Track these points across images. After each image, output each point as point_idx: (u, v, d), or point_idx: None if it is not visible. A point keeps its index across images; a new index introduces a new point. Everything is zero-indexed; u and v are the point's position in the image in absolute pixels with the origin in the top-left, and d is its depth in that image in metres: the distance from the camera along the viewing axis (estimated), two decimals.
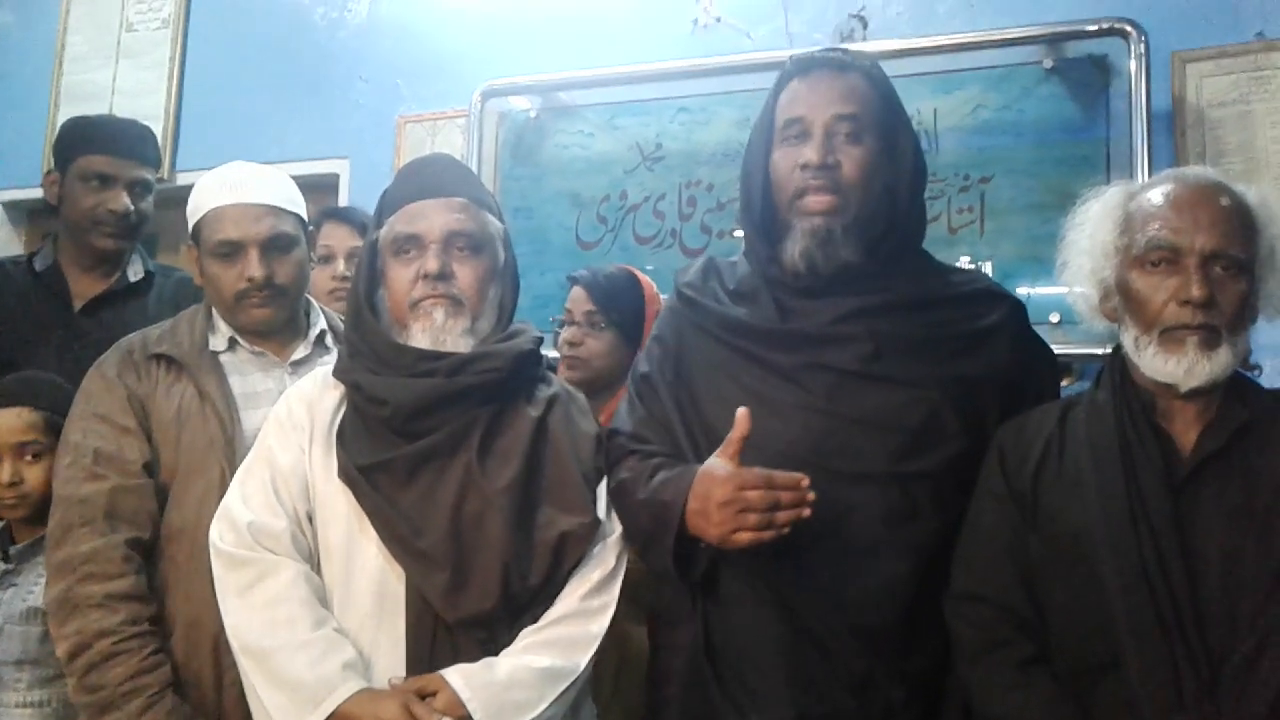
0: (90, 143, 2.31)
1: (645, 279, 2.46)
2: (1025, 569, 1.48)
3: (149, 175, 2.36)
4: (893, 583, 1.52)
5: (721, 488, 1.45)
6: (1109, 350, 2.43)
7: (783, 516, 1.41)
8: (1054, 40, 2.72)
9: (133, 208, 2.31)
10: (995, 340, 1.62)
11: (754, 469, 1.44)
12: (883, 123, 1.63)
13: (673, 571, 1.55)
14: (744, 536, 1.43)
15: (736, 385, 1.62)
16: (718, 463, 1.48)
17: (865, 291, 1.61)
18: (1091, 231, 1.53)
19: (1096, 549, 1.38)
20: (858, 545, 1.52)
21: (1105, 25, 2.62)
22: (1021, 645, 1.46)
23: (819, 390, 1.57)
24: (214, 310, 1.89)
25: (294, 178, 1.97)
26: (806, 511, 1.40)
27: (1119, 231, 1.48)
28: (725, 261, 1.80)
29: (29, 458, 1.93)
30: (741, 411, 1.46)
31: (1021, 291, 2.65)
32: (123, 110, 3.64)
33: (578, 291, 2.40)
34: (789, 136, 1.62)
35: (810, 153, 1.58)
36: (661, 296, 2.47)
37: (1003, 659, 1.45)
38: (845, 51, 1.70)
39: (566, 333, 2.37)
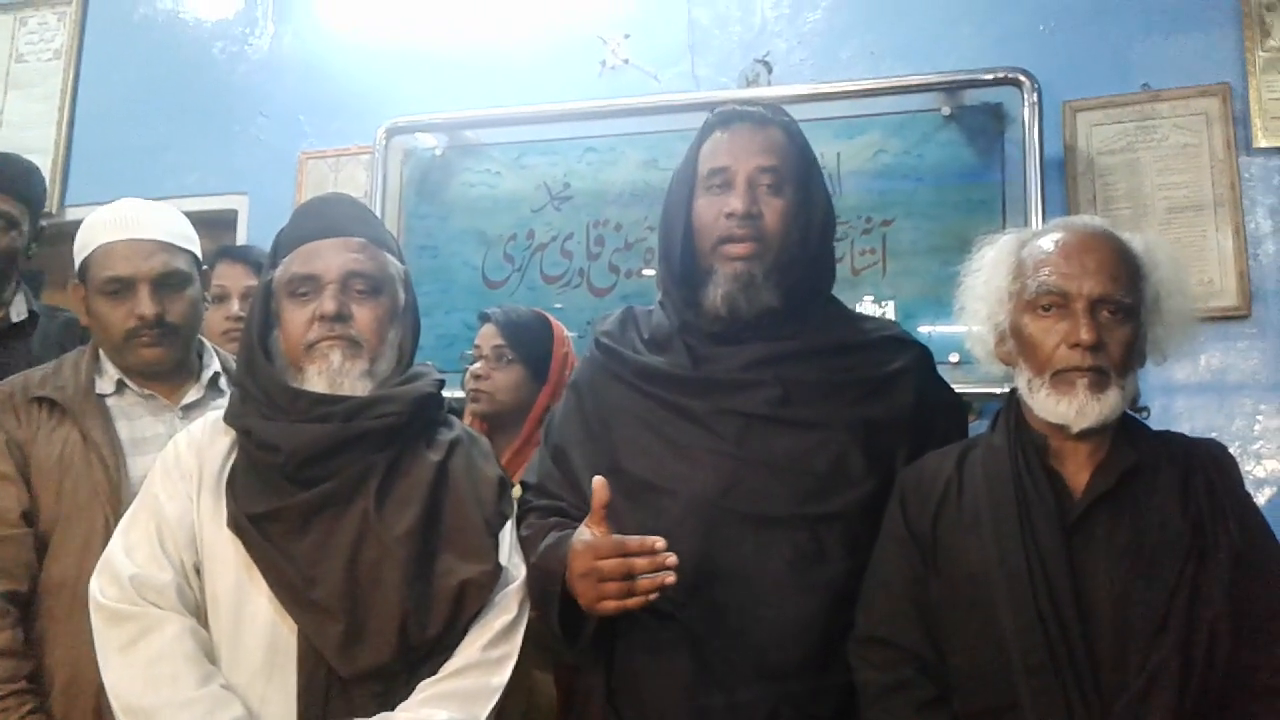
0: None
1: (557, 322, 2.49)
2: (926, 611, 1.49)
3: (11, 209, 2.27)
4: (799, 623, 1.53)
5: (579, 560, 1.47)
6: (1007, 390, 2.54)
7: (643, 584, 1.41)
8: (952, 88, 2.80)
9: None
10: (901, 385, 1.66)
11: (610, 537, 1.45)
12: (799, 174, 1.68)
13: (559, 637, 1.55)
14: (608, 605, 1.44)
15: (651, 432, 1.64)
16: (584, 531, 1.49)
17: (775, 338, 1.65)
18: (986, 277, 1.56)
19: (993, 590, 1.40)
20: (765, 587, 1.53)
21: (1000, 74, 2.71)
22: (923, 687, 1.46)
23: (729, 435, 1.60)
24: (101, 351, 1.82)
25: (191, 214, 1.93)
26: (669, 578, 1.40)
27: (1012, 277, 1.52)
28: (643, 310, 1.83)
29: None
30: (598, 481, 1.47)
31: (923, 331, 2.71)
32: (10, 143, 3.51)
33: (488, 328, 2.43)
34: (713, 185, 1.67)
35: (735, 201, 1.63)
36: (569, 336, 2.48)
37: (904, 701, 1.46)
38: (765, 106, 1.76)
39: (474, 367, 2.39)
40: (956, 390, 1.84)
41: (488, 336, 2.41)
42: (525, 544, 1.62)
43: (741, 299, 1.62)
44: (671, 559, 1.39)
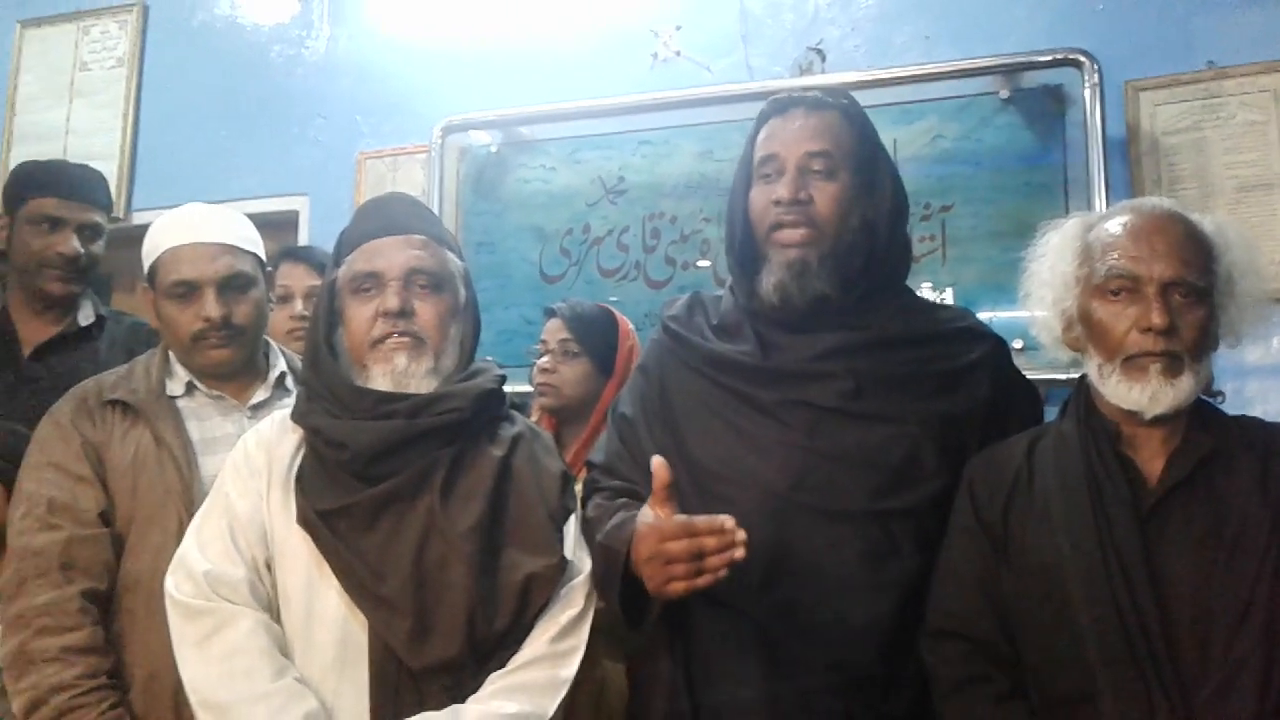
0: (39, 186, 2.28)
1: (622, 316, 2.50)
2: (998, 603, 1.47)
3: (99, 218, 2.34)
4: (873, 621, 1.51)
5: (644, 543, 1.44)
6: (1072, 376, 2.50)
7: (712, 563, 1.37)
8: (1010, 71, 2.76)
9: (82, 250, 2.28)
10: (976, 378, 1.63)
11: (676, 519, 1.41)
12: (859, 158, 1.66)
13: (621, 619, 1.54)
14: (676, 587, 1.41)
15: (720, 420, 1.63)
16: (647, 513, 1.47)
17: (846, 328, 1.63)
18: (1052, 263, 1.54)
19: (1067, 581, 1.38)
20: (837, 584, 1.51)
21: (1060, 55, 2.66)
22: (997, 680, 1.45)
23: (799, 427, 1.58)
24: (171, 354, 1.86)
25: (252, 215, 1.96)
26: (739, 553, 1.35)
27: (1079, 262, 1.50)
28: (710, 296, 1.81)
29: None
30: (657, 461, 1.45)
31: (984, 317, 2.66)
32: (76, 150, 3.61)
33: (554, 322, 2.44)
34: (765, 174, 1.66)
35: (782, 189, 1.62)
36: (632, 331, 2.49)
37: (979, 694, 1.44)
38: (826, 90, 1.73)
39: (541, 361, 2.40)
40: None
41: (554, 331, 2.43)
42: (591, 524, 1.61)
43: (793, 286, 1.60)
44: (741, 535, 1.35)
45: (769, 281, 1.62)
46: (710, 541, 1.38)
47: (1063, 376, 2.54)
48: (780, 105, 1.69)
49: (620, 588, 1.51)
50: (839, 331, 1.62)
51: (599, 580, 1.56)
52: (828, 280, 1.60)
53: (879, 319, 1.64)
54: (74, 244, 2.26)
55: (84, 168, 2.41)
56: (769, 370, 1.63)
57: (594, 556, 1.57)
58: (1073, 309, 1.50)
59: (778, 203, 1.61)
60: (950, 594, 1.51)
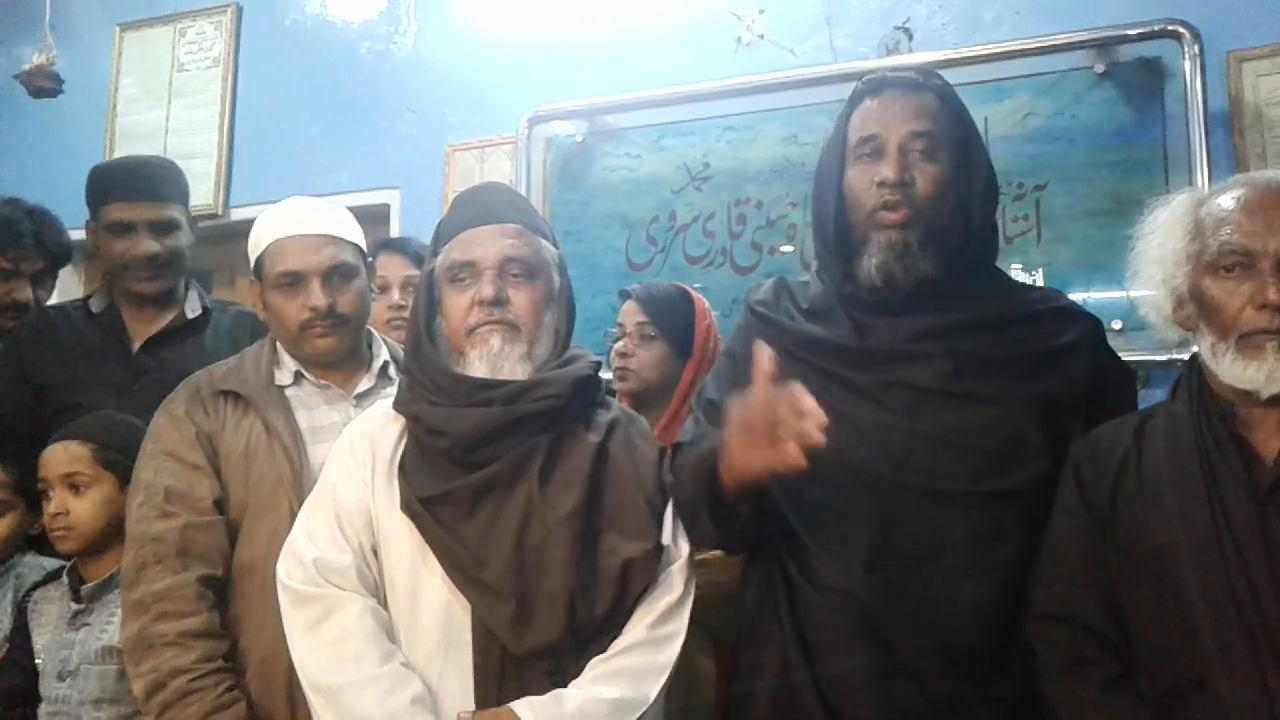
0: (106, 192, 2.33)
1: (697, 295, 2.48)
2: (1107, 586, 1.44)
3: (171, 212, 2.35)
4: (980, 603, 1.50)
5: (732, 423, 1.43)
6: (1173, 357, 2.43)
7: (790, 447, 1.34)
8: (1105, 45, 2.69)
9: (158, 248, 2.31)
10: (1074, 358, 1.60)
11: (760, 394, 1.39)
12: (956, 140, 1.64)
13: (709, 524, 1.52)
14: (753, 463, 1.39)
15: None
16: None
17: (942, 309, 1.61)
18: (1161, 240, 1.50)
19: (1180, 564, 1.35)
20: (943, 565, 1.51)
21: (1157, 27, 2.59)
22: (1106, 664, 1.42)
23: (899, 408, 1.57)
24: (279, 344, 1.91)
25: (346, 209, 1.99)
26: (817, 436, 1.32)
27: (1190, 238, 1.45)
28: (796, 281, 1.80)
29: (76, 490, 1.96)
30: (764, 351, 1.40)
31: (1079, 298, 2.61)
32: (175, 149, 3.72)
33: (629, 305, 2.43)
34: (864, 154, 1.63)
35: (886, 169, 1.59)
36: (713, 313, 2.48)
37: (1086, 678, 1.42)
38: (918, 71, 1.71)
39: (618, 345, 2.39)
40: (1121, 358, 1.77)
41: (630, 314, 2.41)
42: (676, 468, 1.60)
43: (897, 268, 1.58)
44: (821, 418, 1.33)
45: (871, 263, 1.60)
46: (783, 406, 1.36)
47: (1162, 358, 2.49)
48: (875, 85, 1.67)
49: (708, 501, 1.51)
50: (934, 313, 1.61)
51: (688, 495, 1.55)
52: (930, 261, 1.59)
53: (973, 300, 1.63)
54: (147, 245, 2.30)
55: (151, 162, 2.46)
56: (865, 352, 1.62)
57: (681, 481, 1.56)
58: (1184, 287, 1.46)
59: (882, 184, 1.59)
60: (1056, 577, 1.48)
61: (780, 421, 1.36)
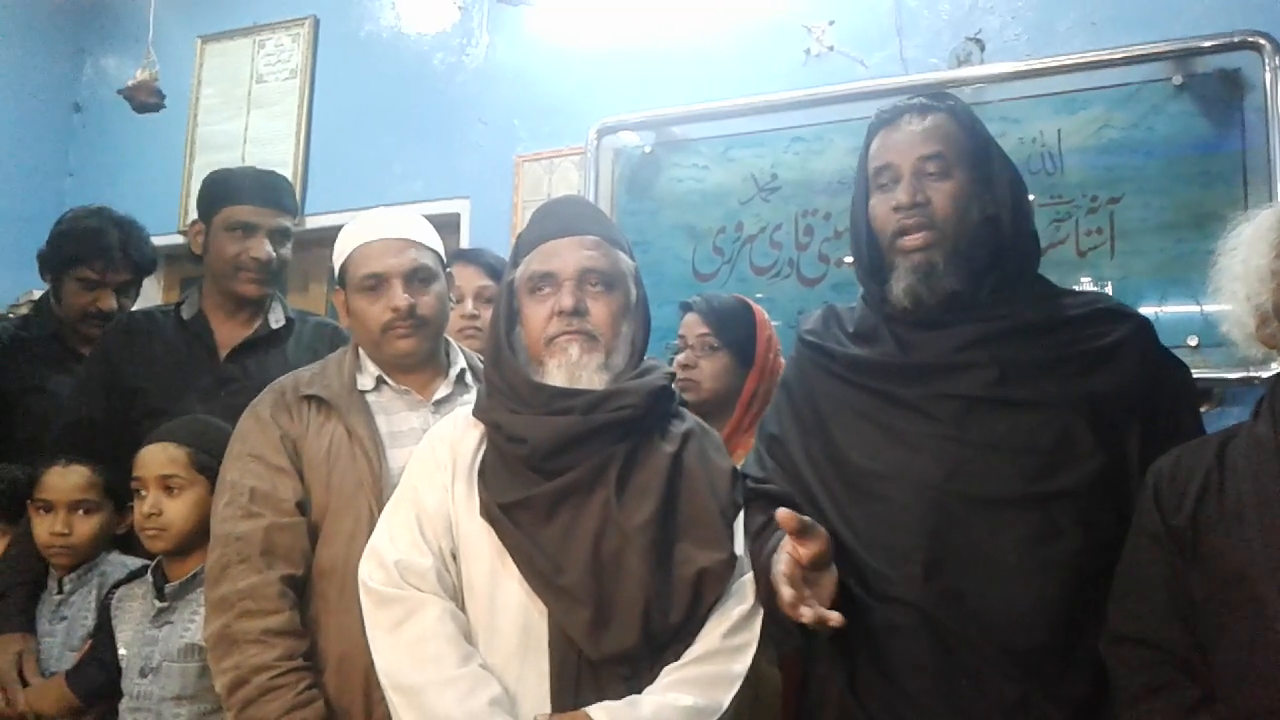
0: (234, 194, 2.40)
1: (757, 305, 2.50)
2: (1186, 609, 1.42)
3: (288, 223, 2.45)
4: (1041, 604, 1.50)
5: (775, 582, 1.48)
6: (1250, 374, 2.39)
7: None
8: (1182, 56, 2.67)
9: (274, 254, 2.38)
10: (1122, 356, 1.61)
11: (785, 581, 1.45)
12: (971, 155, 1.68)
13: (793, 631, 1.55)
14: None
15: (868, 422, 1.66)
16: (779, 559, 1.49)
17: (984, 319, 1.64)
18: (1245, 256, 1.47)
19: (1263, 589, 1.32)
20: (1002, 569, 1.51)
21: (1237, 38, 2.56)
22: (1186, 689, 1.40)
23: (947, 418, 1.60)
24: (361, 351, 1.95)
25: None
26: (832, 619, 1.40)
27: (1275, 254, 1.43)
28: (844, 307, 1.85)
29: (170, 491, 2.01)
30: (783, 514, 1.44)
31: (1152, 312, 2.58)
32: (254, 158, 3.81)
33: (691, 317, 2.46)
34: (881, 184, 1.70)
35: (901, 195, 1.65)
36: (774, 324, 2.49)
37: (1166, 704, 1.40)
38: (927, 94, 1.75)
39: (680, 357, 2.42)
40: (1196, 376, 1.75)
41: (692, 326, 2.44)
42: (752, 542, 1.63)
43: (923, 288, 1.63)
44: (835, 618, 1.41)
45: (899, 286, 1.65)
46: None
47: (1237, 375, 2.44)
48: (887, 116, 1.73)
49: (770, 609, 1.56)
50: (976, 323, 1.64)
51: (763, 600, 1.59)
52: (955, 277, 1.63)
53: (1015, 308, 1.65)
54: (267, 248, 2.37)
55: (273, 174, 2.53)
56: (911, 367, 1.66)
57: (756, 576, 1.60)
58: (1268, 304, 1.43)
59: (897, 209, 1.65)
60: (1135, 599, 1.46)
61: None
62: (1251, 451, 1.42)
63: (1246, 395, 2.38)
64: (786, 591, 1.43)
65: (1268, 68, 2.50)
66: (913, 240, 1.64)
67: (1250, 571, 1.35)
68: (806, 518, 1.46)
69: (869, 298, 1.76)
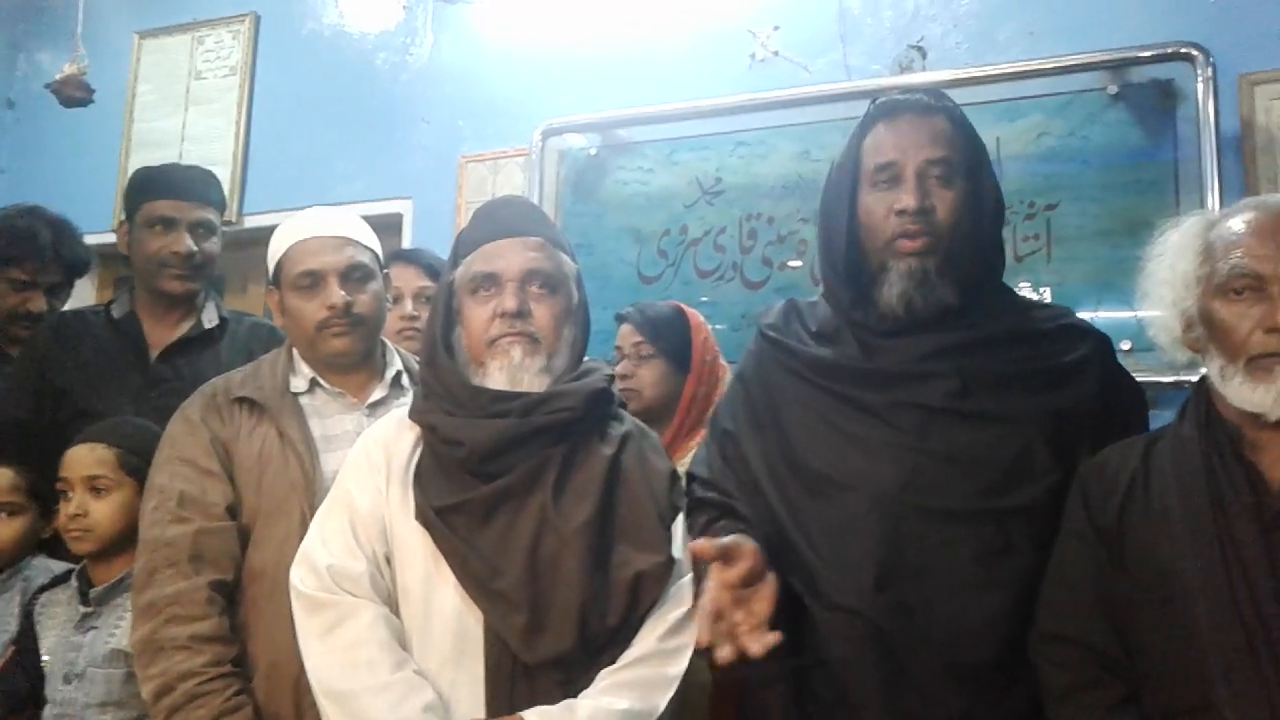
0: (152, 190, 2.36)
1: (690, 310, 2.52)
2: (1113, 608, 1.44)
3: (210, 216, 2.40)
4: (990, 621, 1.50)
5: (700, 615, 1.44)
6: (1180, 378, 2.44)
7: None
8: (1118, 66, 2.72)
9: (196, 248, 2.34)
10: (1084, 375, 1.60)
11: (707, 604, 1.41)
12: (970, 164, 1.63)
13: None
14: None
15: (826, 424, 1.63)
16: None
17: (949, 328, 1.61)
18: (1171, 261, 1.50)
19: (1187, 588, 1.35)
20: (953, 583, 1.50)
21: (1171, 49, 2.61)
22: (1111, 686, 1.42)
23: (908, 428, 1.57)
24: (295, 352, 1.92)
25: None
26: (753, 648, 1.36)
27: (1200, 260, 1.45)
28: (805, 303, 1.81)
29: (97, 492, 1.97)
30: (696, 546, 1.43)
31: (1087, 316, 2.59)
32: (191, 156, 3.75)
33: (625, 328, 2.50)
34: (880, 181, 1.62)
35: (907, 198, 1.58)
36: (719, 329, 2.50)
37: (1091, 701, 1.42)
38: (927, 93, 1.71)
39: (619, 367, 2.43)
40: None
41: (627, 336, 2.47)
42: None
43: (918, 296, 1.58)
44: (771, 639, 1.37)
45: (892, 292, 1.59)
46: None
47: (1170, 379, 2.49)
48: (888, 109, 1.66)
49: None
50: (941, 333, 1.61)
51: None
52: (949, 288, 1.59)
53: (981, 319, 1.63)
54: (187, 242, 2.33)
55: (195, 168, 2.49)
56: (874, 373, 1.63)
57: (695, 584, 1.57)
58: (1193, 309, 1.46)
59: (902, 212, 1.58)
60: (1062, 598, 1.48)
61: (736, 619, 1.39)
62: (1176, 453, 1.44)
63: (1178, 398, 2.40)
64: (703, 635, 1.38)
65: (1200, 78, 2.55)
66: (914, 245, 1.58)
67: (1173, 570, 1.37)
68: (726, 540, 1.42)
69: (833, 299, 1.71)
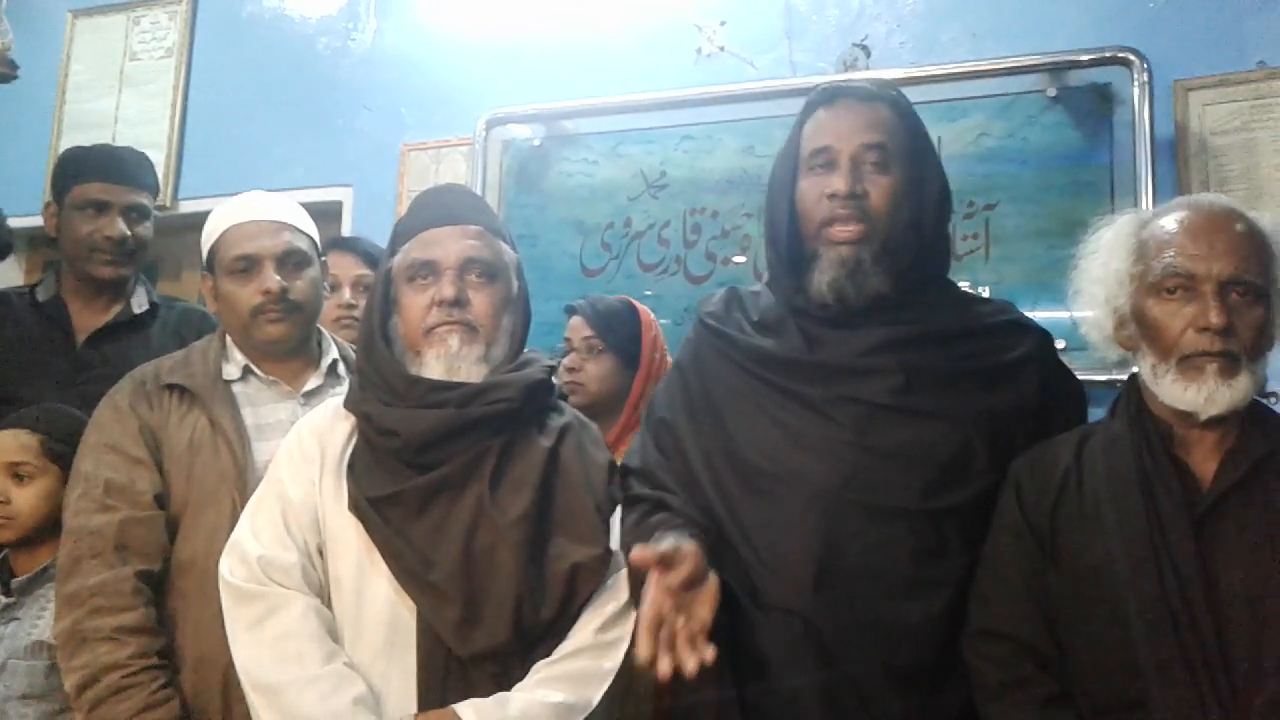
0: (84, 172, 2.30)
1: (642, 307, 2.51)
2: (1045, 605, 1.45)
3: (144, 200, 2.34)
4: (925, 619, 1.49)
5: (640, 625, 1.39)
6: (1113, 377, 2.48)
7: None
8: (1057, 69, 2.75)
9: (129, 233, 2.29)
10: (1024, 373, 1.60)
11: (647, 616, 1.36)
12: (910, 152, 1.62)
13: None
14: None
15: (765, 417, 1.60)
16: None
17: (893, 323, 1.59)
18: (1104, 260, 1.51)
19: (1118, 585, 1.36)
20: (889, 582, 1.49)
21: (1108, 54, 2.65)
22: (1043, 683, 1.43)
23: (848, 424, 1.55)
24: (228, 339, 1.88)
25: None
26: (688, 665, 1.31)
27: (1133, 259, 1.47)
28: (748, 291, 1.78)
29: (19, 479, 1.93)
30: (635, 555, 1.38)
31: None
32: (125, 138, 3.65)
33: (575, 320, 2.47)
34: (815, 166, 1.61)
35: (838, 181, 1.57)
36: (663, 323, 2.49)
37: (1024, 697, 1.43)
38: (872, 82, 1.69)
39: (566, 360, 2.42)
40: None
41: (576, 329, 2.45)
42: (626, 542, 1.57)
43: (849, 285, 1.56)
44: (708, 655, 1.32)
45: (822, 280, 1.57)
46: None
47: (1103, 377, 2.52)
48: (829, 95, 1.64)
49: None
50: (885, 326, 1.59)
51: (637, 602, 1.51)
52: (882, 278, 1.57)
53: (925, 313, 1.61)
54: (120, 226, 2.27)
55: (129, 150, 2.43)
56: (816, 365, 1.60)
57: (630, 579, 1.54)
58: (1126, 307, 1.47)
59: (833, 196, 1.56)
60: (994, 594, 1.49)
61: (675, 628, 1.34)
62: (1108, 449, 1.46)
63: (1110, 397, 2.45)
64: (643, 649, 1.33)
65: (1136, 84, 2.59)
66: (843, 231, 1.56)
67: (1104, 567, 1.39)
68: (664, 546, 1.38)
69: (777, 287, 1.68)
